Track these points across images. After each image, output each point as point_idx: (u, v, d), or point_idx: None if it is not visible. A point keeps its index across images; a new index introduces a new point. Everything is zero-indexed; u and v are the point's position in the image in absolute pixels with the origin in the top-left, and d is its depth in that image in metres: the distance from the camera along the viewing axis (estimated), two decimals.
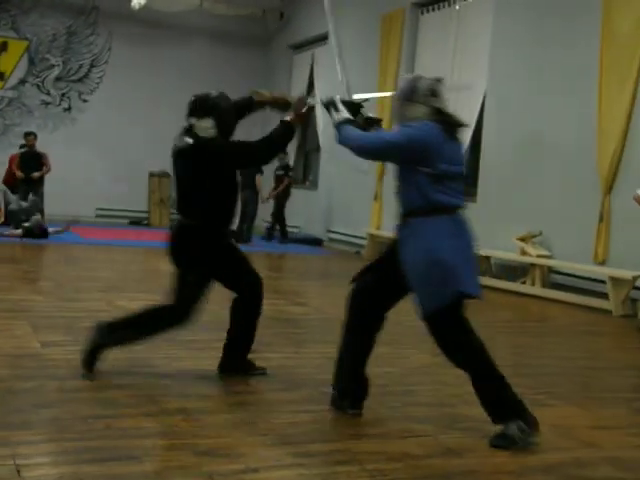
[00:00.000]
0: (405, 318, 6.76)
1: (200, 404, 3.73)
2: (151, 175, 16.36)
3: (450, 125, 3.51)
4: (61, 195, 14.42)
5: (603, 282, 8.21)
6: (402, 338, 5.83)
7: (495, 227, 10.13)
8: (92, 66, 16.37)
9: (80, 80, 16.30)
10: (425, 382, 4.55)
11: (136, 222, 16.63)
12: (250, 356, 4.36)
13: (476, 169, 10.86)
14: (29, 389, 3.79)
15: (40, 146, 13.71)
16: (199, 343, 5.12)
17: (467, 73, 11.24)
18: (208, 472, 2.85)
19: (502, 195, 10.18)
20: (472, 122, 10.95)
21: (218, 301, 6.80)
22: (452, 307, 3.42)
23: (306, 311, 7.16)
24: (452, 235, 3.43)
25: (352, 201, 13.53)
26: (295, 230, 15.40)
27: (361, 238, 12.98)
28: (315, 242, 14.46)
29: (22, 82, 15.86)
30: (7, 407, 3.48)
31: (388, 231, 12.08)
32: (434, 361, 5.12)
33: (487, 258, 10.01)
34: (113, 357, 4.57)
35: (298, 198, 15.76)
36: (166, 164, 17.05)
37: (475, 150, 10.91)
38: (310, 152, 16.05)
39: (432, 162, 3.40)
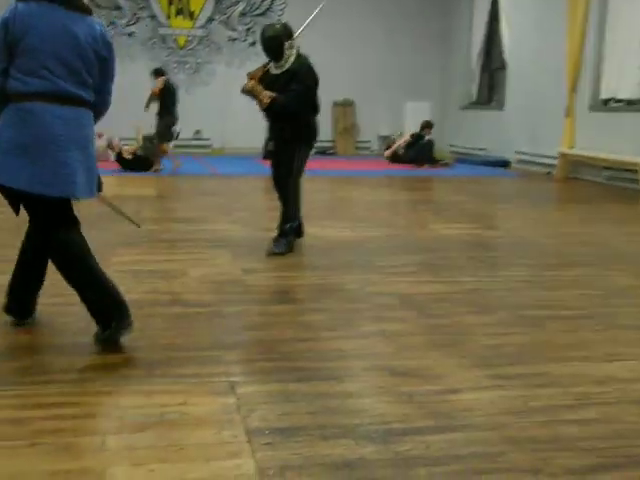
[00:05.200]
0: (606, 240, 6.44)
1: (396, 327, 3.78)
2: (335, 104, 16.48)
3: None
4: (246, 129, 14.89)
5: None
6: (602, 260, 5.57)
7: None
8: None
9: (263, 14, 16.57)
10: (629, 304, 4.32)
11: (322, 152, 16.93)
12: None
13: None
14: (235, 313, 4.02)
15: (227, 82, 14.20)
16: (392, 268, 5.17)
17: None
18: (407, 392, 2.90)
19: None
20: None
21: (405, 226, 6.82)
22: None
23: (498, 234, 7.00)
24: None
25: (541, 119, 12.90)
26: (481, 152, 15.00)
27: (552, 158, 12.40)
28: (503, 164, 14.02)
29: (210, 20, 16.39)
30: (218, 329, 3.73)
31: (582, 149, 11.45)
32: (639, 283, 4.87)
33: None
34: (307, 283, 4.74)
35: (483, 119, 15.27)
36: (350, 92, 16.97)
37: None
38: (495, 71, 15.40)
39: None
